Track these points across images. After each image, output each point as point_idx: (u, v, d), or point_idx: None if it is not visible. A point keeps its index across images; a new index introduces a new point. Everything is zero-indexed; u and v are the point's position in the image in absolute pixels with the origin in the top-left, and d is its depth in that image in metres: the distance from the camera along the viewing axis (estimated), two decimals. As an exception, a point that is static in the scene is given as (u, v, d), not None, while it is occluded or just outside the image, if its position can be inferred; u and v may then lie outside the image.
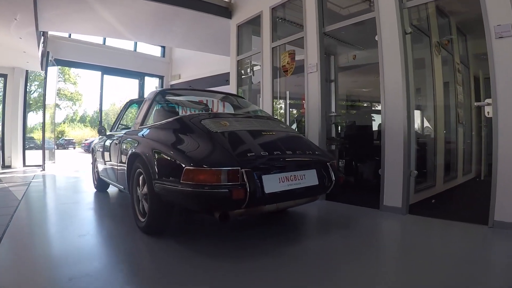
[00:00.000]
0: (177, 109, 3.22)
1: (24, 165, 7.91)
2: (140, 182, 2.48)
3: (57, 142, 30.50)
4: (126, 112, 3.98)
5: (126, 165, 2.67)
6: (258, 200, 1.98)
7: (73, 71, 29.27)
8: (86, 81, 32.78)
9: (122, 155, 2.91)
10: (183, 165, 1.95)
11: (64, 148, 28.15)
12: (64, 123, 34.72)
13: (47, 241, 2.42)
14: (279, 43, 4.63)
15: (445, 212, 3.22)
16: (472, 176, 5.73)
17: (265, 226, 2.73)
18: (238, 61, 5.37)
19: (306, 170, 2.31)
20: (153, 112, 2.87)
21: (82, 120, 33.83)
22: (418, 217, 3.09)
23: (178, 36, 6.78)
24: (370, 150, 4.76)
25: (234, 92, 5.30)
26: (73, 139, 28.62)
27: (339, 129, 4.69)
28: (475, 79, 6.05)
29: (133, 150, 2.55)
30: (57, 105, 30.70)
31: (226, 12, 5.58)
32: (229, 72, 8.81)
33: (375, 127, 5.90)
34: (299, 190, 2.21)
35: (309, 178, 2.31)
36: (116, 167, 3.12)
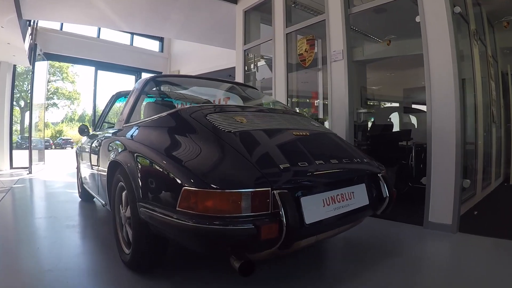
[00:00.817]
0: (174, 103, 2.58)
1: (12, 167, 7.27)
2: (123, 200, 1.83)
3: (55, 141, 30.11)
4: (113, 108, 3.32)
5: (106, 175, 2.03)
6: (297, 236, 1.28)
7: (71, 69, 28.63)
8: (84, 79, 32.02)
9: (101, 163, 2.26)
10: (181, 183, 1.28)
11: (62, 148, 27.82)
12: (62, 122, 34.13)
13: None
14: (295, 28, 3.98)
15: (497, 228, 2.65)
16: (501, 180, 5.14)
17: (291, 255, 2.09)
18: (245, 50, 4.73)
19: (355, 185, 1.66)
20: (142, 106, 2.23)
21: (81, 119, 33.21)
22: (471, 237, 2.50)
23: (177, 26, 6.14)
24: (399, 153, 4.15)
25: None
26: (71, 139, 28.09)
27: (367, 129, 4.06)
28: (502, 75, 5.49)
29: (113, 157, 1.90)
30: (55, 104, 30.30)
31: (231, -4, 4.95)
32: (232, 67, 8.28)
33: (396, 127, 5.31)
34: (347, 214, 1.56)
35: (359, 196, 1.66)
36: (96, 177, 2.48)
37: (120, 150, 1.88)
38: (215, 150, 1.44)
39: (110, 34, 9.36)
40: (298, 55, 3.92)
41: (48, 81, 25.35)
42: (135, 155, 1.65)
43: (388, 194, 1.76)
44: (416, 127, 5.82)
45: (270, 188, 1.26)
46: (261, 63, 4.97)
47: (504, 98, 5.40)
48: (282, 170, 1.38)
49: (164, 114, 1.82)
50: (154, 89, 2.44)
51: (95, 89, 9.11)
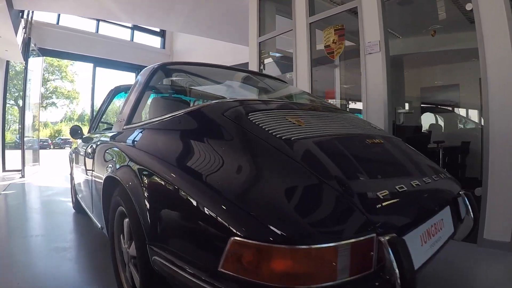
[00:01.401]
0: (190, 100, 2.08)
1: (4, 169, 6.78)
2: (125, 229, 1.35)
3: (53, 141, 29.61)
4: (113, 106, 2.82)
5: (101, 193, 1.54)
6: None
7: (70, 68, 28.09)
8: (83, 78, 31.46)
9: (96, 176, 1.76)
10: (226, 230, 0.76)
11: (61, 148, 27.49)
12: (61, 122, 33.63)
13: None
14: (321, 16, 3.50)
15: None
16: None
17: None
18: (260, 43, 4.24)
19: (442, 210, 1.20)
20: (149, 101, 1.73)
21: (81, 119, 32.73)
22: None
23: (181, 18, 5.67)
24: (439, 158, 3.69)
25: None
26: (69, 139, 27.67)
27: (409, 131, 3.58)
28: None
29: (111, 171, 1.39)
30: (54, 104, 29.76)
31: (243, -18, 4.48)
32: (240, 63, 7.84)
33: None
34: (439, 251, 1.12)
35: (446, 224, 1.22)
36: (90, 192, 1.97)
37: (119, 161, 1.36)
38: (277, 172, 0.91)
39: (109, 30, 8.90)
40: (325, 47, 3.43)
41: (47, 80, 24.79)
42: (142, 172, 1.13)
43: (473, 217, 1.34)
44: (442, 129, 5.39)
45: (375, 234, 0.78)
46: (268, 60, 4.51)
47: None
48: (387, 203, 0.89)
49: (184, 111, 1.27)
50: (164, 80, 1.94)
51: (93, 87, 8.61)
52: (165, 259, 0.93)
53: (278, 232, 0.72)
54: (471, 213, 1.35)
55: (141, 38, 9.82)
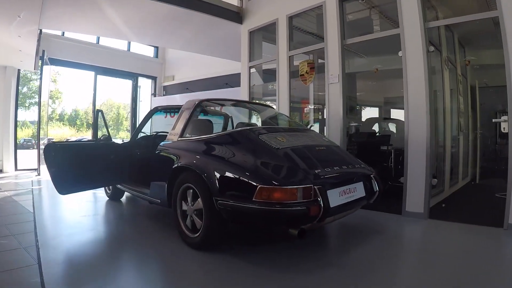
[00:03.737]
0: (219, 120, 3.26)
1: (16, 169, 7.55)
2: (189, 197, 2.46)
3: (35, 141, 29.22)
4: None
5: (166, 179, 2.64)
6: (327, 215, 2.03)
7: (53, 68, 28.04)
8: (65, 78, 31.39)
9: (159, 168, 2.86)
10: (255, 184, 1.96)
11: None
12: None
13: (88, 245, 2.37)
14: (297, 52, 4.70)
15: (460, 216, 3.47)
16: (468, 179, 6.04)
17: (310, 238, 2.78)
18: (250, 67, 5.38)
19: (357, 183, 2.44)
20: (192, 123, 2.86)
21: (61, 118, 32.51)
22: (438, 222, 3.32)
23: (183, 39, 6.70)
24: (381, 157, 4.91)
25: (247, 97, 5.32)
26: (52, 138, 27.45)
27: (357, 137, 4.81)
28: (471, 88, 6.38)
29: (179, 164, 2.52)
30: (36, 103, 29.44)
31: (237, 17, 5.59)
32: (228, 75, 8.91)
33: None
34: (352, 202, 2.33)
35: (359, 190, 2.45)
36: (146, 180, 3.09)
37: (182, 158, 2.54)
38: (274, 162, 2.19)
39: (108, 40, 9.74)
40: (300, 75, 4.61)
41: (30, 80, 24.87)
42: (208, 163, 2.31)
43: (378, 189, 2.60)
44: (395, 134, 6.64)
45: (312, 185, 2.02)
46: (252, 70, 5.63)
47: (472, 109, 6.32)
48: (317, 173, 2.17)
49: (226, 132, 2.63)
50: (202, 109, 3.08)
51: (94, 93, 9.43)
52: (223, 200, 2.12)
53: (276, 182, 1.95)
54: (377, 187, 2.60)
55: (136, 48, 10.72)
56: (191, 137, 2.74)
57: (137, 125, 3.73)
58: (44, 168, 7.04)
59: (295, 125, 3.53)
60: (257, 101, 4.40)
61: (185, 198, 2.51)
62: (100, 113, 3.34)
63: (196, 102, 2.94)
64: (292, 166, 2.15)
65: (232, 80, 8.65)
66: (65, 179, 3.03)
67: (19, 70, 7.89)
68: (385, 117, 7.24)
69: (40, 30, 7.24)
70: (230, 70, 8.85)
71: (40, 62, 7.35)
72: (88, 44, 9.08)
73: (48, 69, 8.38)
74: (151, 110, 3.62)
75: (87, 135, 26.95)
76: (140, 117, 11.37)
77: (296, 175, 2.07)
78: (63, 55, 8.42)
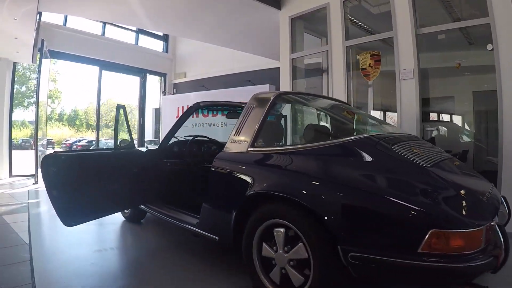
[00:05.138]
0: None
1: (11, 175, 6.61)
2: (279, 239, 1.60)
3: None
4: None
5: (234, 209, 1.77)
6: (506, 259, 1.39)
7: (53, 67, 27.10)
8: (65, 77, 30.38)
9: (219, 192, 1.98)
10: (424, 226, 1.24)
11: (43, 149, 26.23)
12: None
13: None
14: (358, 41, 3.82)
15: None
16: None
17: None
18: (292, 59, 4.49)
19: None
20: (268, 126, 1.98)
21: (60, 118, 31.59)
22: None
23: (206, 28, 5.81)
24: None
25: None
26: (51, 139, 26.42)
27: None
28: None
29: (259, 190, 1.65)
30: (35, 103, 28.47)
31: (274, 0, 4.70)
32: (249, 71, 8.03)
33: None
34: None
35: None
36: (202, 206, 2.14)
37: (272, 181, 1.65)
38: (433, 187, 1.41)
39: (115, 32, 8.83)
40: (361, 70, 3.75)
41: (29, 79, 23.85)
42: (335, 193, 1.44)
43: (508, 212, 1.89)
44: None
45: (490, 222, 1.36)
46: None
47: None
48: (487, 202, 1.53)
49: (341, 141, 1.70)
50: (280, 108, 2.16)
51: (99, 91, 8.49)
52: (363, 252, 1.31)
53: (458, 223, 1.26)
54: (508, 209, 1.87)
55: (145, 41, 9.82)
56: (271, 147, 1.87)
57: (157, 129, 2.79)
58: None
59: (396, 129, 2.65)
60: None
61: (267, 238, 1.67)
62: (122, 109, 2.46)
63: (274, 96, 2.00)
64: (458, 194, 1.44)
65: (255, 77, 7.81)
66: (73, 206, 2.13)
67: (15, 63, 6.98)
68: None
69: (40, 14, 6.39)
70: (252, 65, 7.99)
71: (38, 54, 6.49)
72: (93, 36, 8.18)
73: (47, 63, 7.48)
74: (192, 107, 2.67)
75: (87, 136, 26.03)
76: (148, 117, 10.50)
77: (474, 208, 1.39)
78: (64, 47, 7.51)
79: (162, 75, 10.28)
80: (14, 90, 7.10)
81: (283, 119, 2.71)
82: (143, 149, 2.85)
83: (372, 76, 3.68)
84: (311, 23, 4.75)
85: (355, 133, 2.19)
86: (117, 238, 3.01)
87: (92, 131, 26.19)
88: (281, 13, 4.69)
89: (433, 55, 3.88)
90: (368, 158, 1.55)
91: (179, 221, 2.31)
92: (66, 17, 7.66)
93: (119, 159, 2.43)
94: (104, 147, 14.48)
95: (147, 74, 9.77)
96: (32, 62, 6.93)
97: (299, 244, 1.52)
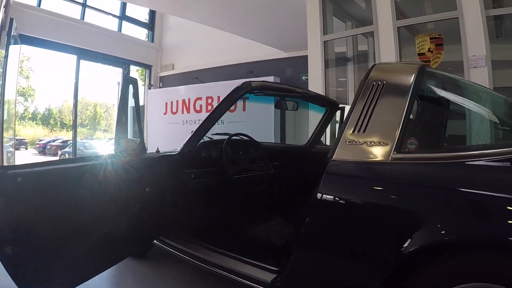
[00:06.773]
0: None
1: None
2: None
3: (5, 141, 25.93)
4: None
5: (381, 269, 1.04)
6: None
7: (26, 64, 24.91)
8: (38, 74, 28.16)
9: (352, 238, 1.17)
10: None
11: (16, 149, 24.20)
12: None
13: None
14: (411, 21, 3.20)
15: None
16: None
17: None
18: (324, 42, 3.78)
19: None
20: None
21: (34, 117, 29.43)
22: None
23: (208, 9, 5.00)
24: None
25: (321, 87, 3.68)
26: (24, 139, 24.32)
27: None
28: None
29: (445, 235, 0.95)
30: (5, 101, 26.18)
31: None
32: (253, 62, 7.30)
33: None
34: None
35: None
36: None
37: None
38: None
39: (96, 17, 7.82)
40: (418, 55, 3.14)
41: (-1, 75, 21.79)
42: None
43: None
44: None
45: None
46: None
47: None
48: None
49: None
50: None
51: (76, 82, 7.45)
52: None
53: None
54: None
55: (129, 29, 8.83)
56: (438, 152, 1.18)
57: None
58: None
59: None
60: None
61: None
62: (132, 85, 1.70)
63: (419, 66, 1.25)
64: None
65: (257, 68, 7.09)
66: (44, 269, 1.29)
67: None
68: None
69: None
70: (255, 56, 7.24)
71: (6, 38, 5.47)
72: (71, 20, 7.14)
73: (17, 49, 6.40)
74: (239, 88, 1.81)
75: (62, 135, 24.14)
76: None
77: None
78: (38, 31, 6.46)
79: (148, 66, 9.31)
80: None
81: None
82: (153, 154, 2.04)
83: (433, 63, 3.08)
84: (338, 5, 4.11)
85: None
86: (109, 282, 2.19)
87: (67, 131, 24.50)
88: (307, -11, 3.99)
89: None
90: None
91: (226, 270, 1.54)
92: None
93: (125, 174, 1.60)
94: (89, 151, 13.19)
95: (131, 65, 8.80)
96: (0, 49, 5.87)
97: None
